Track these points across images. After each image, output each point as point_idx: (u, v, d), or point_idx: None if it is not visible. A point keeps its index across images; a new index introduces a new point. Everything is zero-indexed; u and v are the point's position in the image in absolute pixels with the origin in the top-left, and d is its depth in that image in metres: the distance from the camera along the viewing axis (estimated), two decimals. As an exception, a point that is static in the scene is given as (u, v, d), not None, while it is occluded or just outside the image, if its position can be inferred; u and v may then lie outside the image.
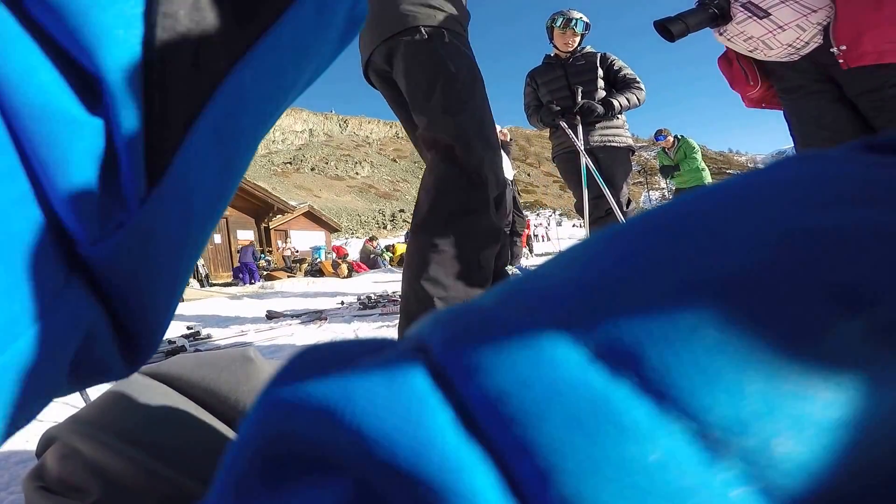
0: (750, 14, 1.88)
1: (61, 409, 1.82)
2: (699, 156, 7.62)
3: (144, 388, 0.44)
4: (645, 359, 0.11)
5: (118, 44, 0.18)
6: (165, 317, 0.28)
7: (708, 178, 7.68)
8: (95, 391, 1.79)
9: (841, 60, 1.82)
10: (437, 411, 0.12)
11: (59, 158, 0.18)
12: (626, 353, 0.11)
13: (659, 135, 8.01)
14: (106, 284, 0.22)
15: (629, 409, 0.11)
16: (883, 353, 0.10)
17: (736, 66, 2.22)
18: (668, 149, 7.89)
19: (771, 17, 1.84)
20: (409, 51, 1.83)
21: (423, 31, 1.81)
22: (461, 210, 1.73)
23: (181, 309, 6.10)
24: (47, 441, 0.44)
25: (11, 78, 0.17)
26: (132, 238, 0.21)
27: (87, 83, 0.19)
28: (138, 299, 0.24)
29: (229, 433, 0.42)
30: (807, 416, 0.10)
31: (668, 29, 2.01)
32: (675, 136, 7.90)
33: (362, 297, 4.98)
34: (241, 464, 0.14)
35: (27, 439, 1.52)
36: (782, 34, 1.86)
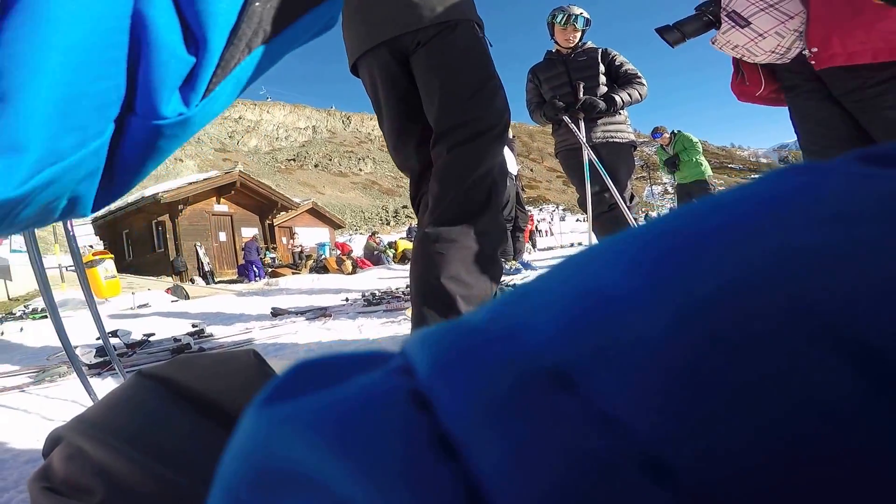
0: (733, 23, 1.92)
1: (69, 409, 1.84)
2: (699, 149, 7.61)
3: (148, 390, 0.44)
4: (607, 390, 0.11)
5: (219, 23, 0.34)
6: (140, 177, 0.40)
7: (708, 171, 7.67)
8: (101, 391, 1.80)
9: (813, 62, 1.87)
10: (415, 435, 0.12)
11: (163, 73, 0.33)
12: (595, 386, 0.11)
13: (655, 132, 8.05)
14: (132, 142, 0.36)
15: (590, 439, 0.11)
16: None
17: (735, 68, 2.27)
18: (666, 145, 7.91)
19: (751, 25, 1.88)
20: (456, 44, 1.75)
21: (475, 26, 1.78)
22: (483, 206, 1.70)
23: (186, 306, 6.13)
24: (53, 441, 0.45)
25: (150, 20, 0.31)
26: (176, 126, 0.36)
27: (192, 37, 0.34)
28: (141, 161, 0.37)
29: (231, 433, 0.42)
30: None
31: (665, 38, 2.07)
32: (672, 132, 7.91)
33: (367, 294, 4.99)
34: (234, 475, 0.15)
35: (37, 438, 1.53)
36: (763, 42, 1.90)
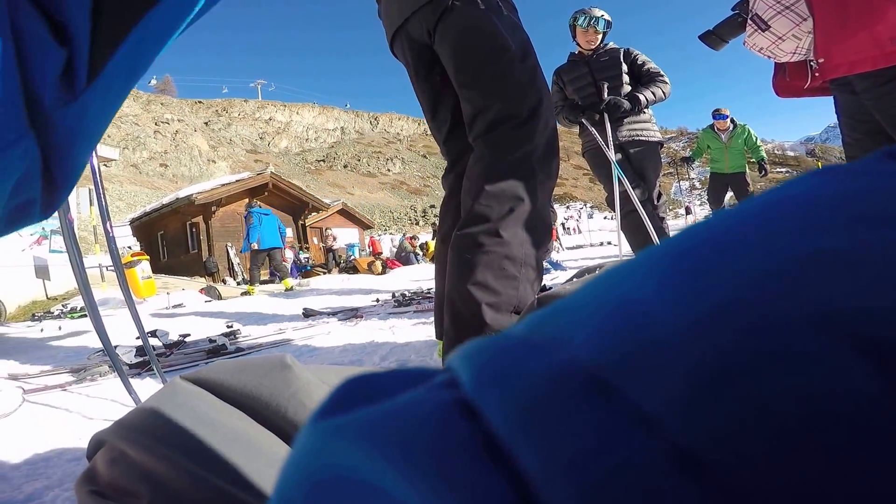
0: (756, 27, 1.96)
1: (110, 408, 1.89)
2: (761, 153, 7.51)
3: (188, 393, 0.46)
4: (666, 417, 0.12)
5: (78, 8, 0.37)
6: (79, 169, 0.44)
7: (746, 167, 7.55)
8: (141, 391, 1.84)
9: (818, 73, 1.95)
10: (465, 441, 0.13)
11: (40, 63, 0.37)
12: (647, 412, 0.12)
13: (717, 113, 7.69)
14: (47, 138, 0.40)
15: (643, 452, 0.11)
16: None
17: (777, 64, 2.28)
18: (722, 130, 7.56)
19: (771, 28, 1.92)
20: (463, 20, 1.68)
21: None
22: (510, 205, 1.58)
23: (220, 306, 6.23)
24: (96, 444, 0.46)
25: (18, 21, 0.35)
26: (75, 110, 0.40)
27: (59, 28, 0.37)
28: (66, 152, 0.41)
29: (271, 438, 0.43)
30: None
31: (709, 45, 2.13)
32: (732, 120, 7.62)
33: (397, 295, 5.01)
34: (293, 485, 0.16)
35: (79, 437, 1.58)
36: (783, 44, 1.94)
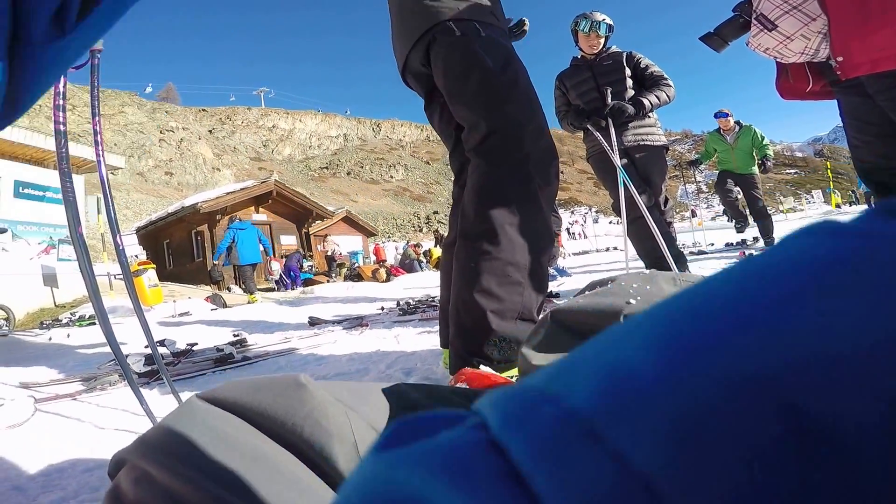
0: (762, 26, 1.92)
1: (121, 418, 1.91)
2: (768, 151, 7.34)
3: (206, 412, 0.47)
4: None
5: None
6: (41, 94, 0.48)
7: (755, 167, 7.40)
8: (150, 399, 1.86)
9: (839, 72, 1.86)
10: (495, 471, 0.17)
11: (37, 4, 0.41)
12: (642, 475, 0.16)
13: (720, 113, 7.64)
14: (21, 70, 0.43)
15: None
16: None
17: (779, 66, 2.25)
18: (726, 131, 7.53)
19: (778, 28, 1.88)
20: (444, 49, 1.81)
21: (453, 26, 1.80)
22: (510, 211, 1.63)
23: (226, 314, 6.26)
24: (118, 464, 0.47)
25: None
26: (58, 46, 0.43)
27: None
28: (34, 82, 0.45)
29: (289, 458, 0.44)
30: None
31: (710, 46, 2.10)
32: (738, 122, 7.55)
33: (402, 303, 5.03)
34: None
35: (91, 448, 1.60)
36: (792, 44, 1.90)
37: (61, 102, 1.73)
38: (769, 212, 7.45)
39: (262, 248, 10.37)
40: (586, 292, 0.68)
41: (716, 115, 7.73)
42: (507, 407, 0.20)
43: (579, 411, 0.18)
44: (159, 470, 0.42)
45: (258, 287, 16.40)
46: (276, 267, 14.01)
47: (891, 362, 0.15)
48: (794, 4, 1.84)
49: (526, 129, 1.71)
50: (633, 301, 0.60)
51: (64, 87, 1.74)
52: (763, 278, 0.20)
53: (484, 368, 1.45)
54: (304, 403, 0.47)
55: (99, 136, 2.17)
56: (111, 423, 1.88)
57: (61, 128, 1.72)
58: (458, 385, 1.00)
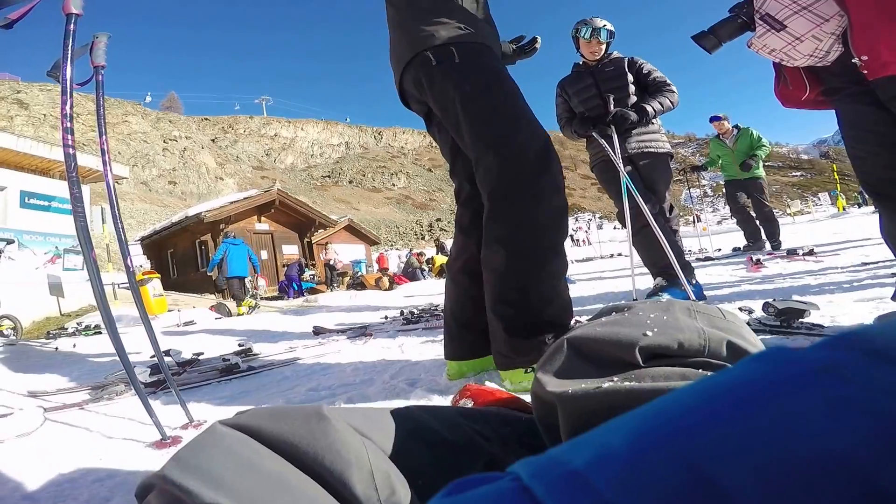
0: (768, 27, 1.88)
1: (128, 427, 1.92)
2: (767, 151, 7.25)
3: (231, 439, 0.48)
4: None
5: None
6: None
7: (762, 172, 7.38)
8: (157, 409, 1.88)
9: (865, 71, 1.80)
10: None
11: None
12: None
13: (714, 118, 7.57)
14: None
15: None
16: None
17: (777, 72, 2.20)
18: (723, 135, 7.48)
19: (787, 29, 1.84)
20: (426, 79, 1.91)
21: (430, 55, 1.89)
22: (516, 227, 1.75)
23: (231, 323, 6.28)
24: (146, 487, 0.48)
25: None
26: None
27: None
28: None
29: (312, 485, 0.46)
30: None
31: (702, 44, 2.04)
32: (736, 125, 7.48)
33: (405, 312, 5.03)
34: None
35: (100, 457, 1.61)
36: (801, 45, 1.86)
37: (69, 125, 1.75)
38: (776, 215, 7.38)
39: (250, 265, 10.99)
40: (602, 318, 0.69)
41: (711, 120, 7.69)
42: (534, 467, 0.29)
43: (578, 470, 0.27)
44: (188, 495, 0.43)
45: (263, 296, 16.52)
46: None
47: (772, 456, 0.23)
48: (805, 4, 1.80)
49: (508, 148, 1.78)
50: (649, 333, 0.60)
51: (70, 108, 1.76)
52: (711, 396, 0.29)
53: (488, 384, 1.47)
54: (327, 435, 0.49)
55: (107, 155, 2.19)
56: (119, 432, 1.89)
57: (70, 151, 1.73)
58: (462, 401, 1.01)
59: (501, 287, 1.76)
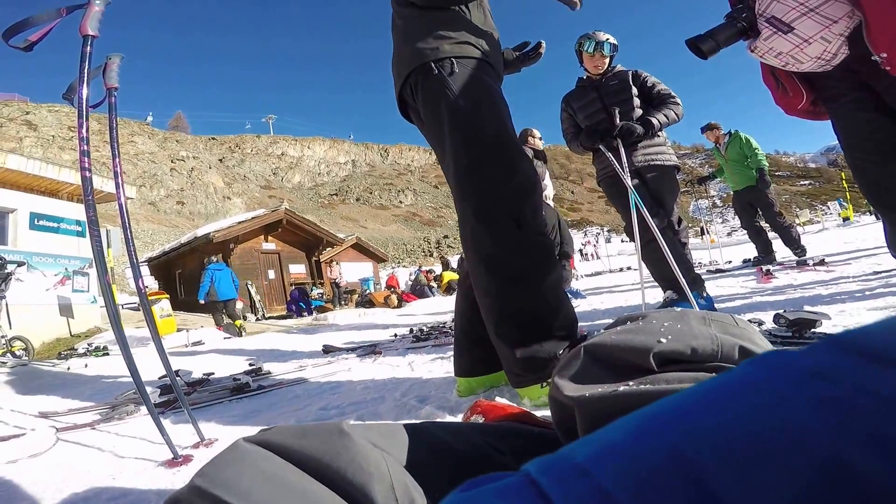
0: (775, 29, 1.86)
1: (139, 447, 1.92)
2: (759, 155, 6.76)
3: (255, 455, 0.49)
4: None
5: None
6: None
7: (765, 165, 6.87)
8: (171, 431, 1.88)
9: (888, 68, 1.76)
10: (531, 497, 0.28)
11: None
12: None
13: (705, 127, 7.38)
14: None
15: None
16: None
17: (774, 81, 2.19)
18: (717, 143, 7.18)
19: (795, 31, 1.82)
20: (422, 88, 1.91)
21: (433, 66, 1.89)
22: (497, 254, 1.76)
23: (241, 343, 6.28)
24: (174, 502, 0.49)
25: None
26: None
27: None
28: None
29: (333, 497, 0.47)
30: None
31: (699, 47, 2.01)
32: (729, 132, 7.12)
33: (415, 330, 5.02)
34: None
35: (113, 475, 1.61)
36: (809, 47, 1.83)
37: (86, 147, 1.77)
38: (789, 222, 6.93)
39: (235, 287, 11.46)
40: (618, 327, 0.70)
41: (702, 131, 7.42)
42: (542, 462, 0.31)
43: (580, 464, 0.29)
44: None
45: (270, 315, 16.55)
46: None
47: (764, 457, 0.24)
48: (812, 6, 1.79)
49: (493, 164, 1.80)
50: (663, 340, 0.61)
51: (87, 130, 1.78)
52: (707, 398, 0.30)
53: (499, 399, 1.47)
54: (348, 449, 0.50)
55: (120, 177, 2.20)
56: (131, 451, 1.90)
57: (87, 174, 1.76)
58: (473, 417, 1.01)
59: (501, 308, 1.75)
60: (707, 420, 0.28)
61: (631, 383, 0.58)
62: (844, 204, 26.40)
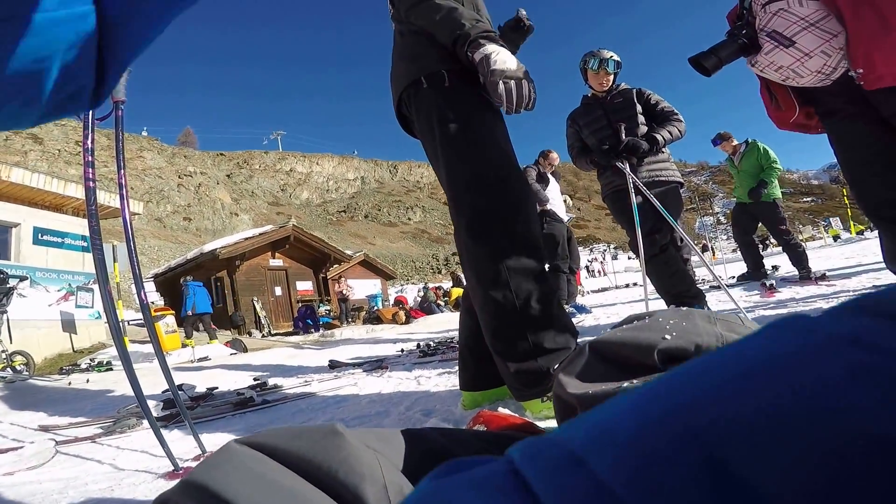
0: (776, 43, 1.87)
1: (140, 460, 1.90)
2: (777, 166, 6.39)
3: (246, 456, 0.48)
4: None
5: None
6: (127, 61, 0.46)
7: (777, 192, 6.43)
8: (173, 445, 1.85)
9: (861, 83, 1.80)
10: (512, 488, 0.24)
11: None
12: None
13: (717, 139, 6.97)
14: (109, 28, 0.42)
15: None
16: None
17: (769, 95, 2.21)
18: (731, 153, 6.77)
19: (796, 45, 1.84)
20: (414, 103, 1.92)
21: (422, 80, 1.89)
22: (488, 268, 1.74)
23: (246, 359, 6.26)
24: (162, 503, 0.48)
25: None
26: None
27: None
28: (121, 34, 0.43)
29: (324, 498, 0.46)
30: None
31: (702, 64, 2.03)
32: (745, 141, 6.72)
33: (422, 345, 5.00)
34: None
35: (111, 488, 1.59)
36: (810, 61, 1.85)
37: (91, 159, 1.77)
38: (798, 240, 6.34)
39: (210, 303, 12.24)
40: (624, 326, 0.70)
41: (714, 144, 7.01)
42: (527, 449, 0.27)
43: (574, 451, 0.25)
44: None
45: (276, 331, 16.58)
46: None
47: (795, 433, 0.20)
48: (813, 21, 1.81)
49: (483, 184, 1.78)
50: (668, 336, 0.61)
51: (92, 143, 1.78)
52: (722, 366, 0.26)
53: (502, 410, 1.45)
54: (340, 449, 0.49)
55: (125, 189, 2.20)
56: (131, 464, 1.88)
57: (91, 185, 1.76)
58: (475, 427, 0.99)
59: (496, 325, 1.74)
60: (724, 392, 0.24)
61: (635, 381, 0.57)
62: (839, 224, 26.44)
